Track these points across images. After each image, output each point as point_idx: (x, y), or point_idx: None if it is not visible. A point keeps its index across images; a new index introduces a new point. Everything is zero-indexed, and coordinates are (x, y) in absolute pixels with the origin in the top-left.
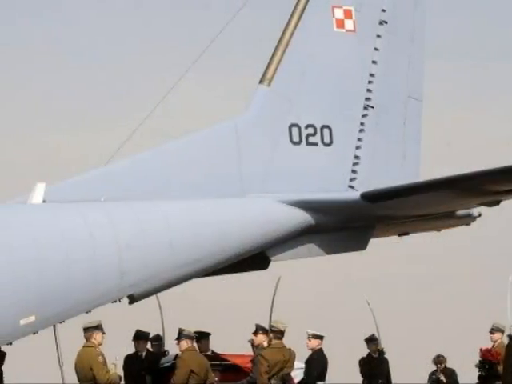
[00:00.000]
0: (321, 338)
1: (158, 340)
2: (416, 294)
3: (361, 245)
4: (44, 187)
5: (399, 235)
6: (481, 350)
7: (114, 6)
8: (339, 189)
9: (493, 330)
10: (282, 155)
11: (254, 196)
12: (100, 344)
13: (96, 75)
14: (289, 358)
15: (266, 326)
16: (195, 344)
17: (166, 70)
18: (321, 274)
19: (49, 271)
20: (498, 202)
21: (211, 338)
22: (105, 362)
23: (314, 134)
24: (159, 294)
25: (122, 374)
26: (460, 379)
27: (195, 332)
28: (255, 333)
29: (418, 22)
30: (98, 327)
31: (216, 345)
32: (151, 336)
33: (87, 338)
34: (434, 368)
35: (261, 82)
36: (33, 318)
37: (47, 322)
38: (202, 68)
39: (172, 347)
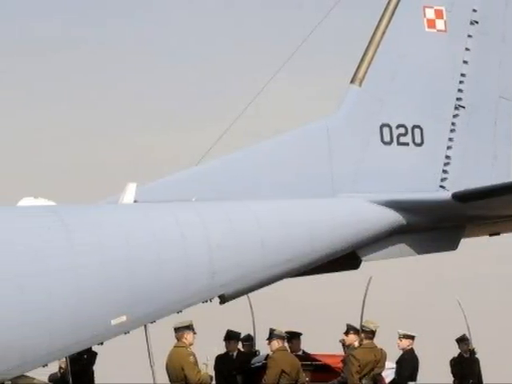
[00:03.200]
0: (412, 337)
1: (249, 340)
2: (507, 294)
3: (452, 245)
4: (135, 187)
5: (490, 235)
6: None
7: (205, 6)
8: (430, 189)
9: None
10: (372, 155)
11: (344, 196)
12: (191, 344)
13: (187, 75)
14: (380, 358)
15: (357, 326)
16: (286, 344)
17: (257, 70)
18: (412, 273)
19: (140, 271)
20: None
21: (302, 338)
22: (196, 362)
23: (405, 134)
24: (250, 294)
25: (213, 374)
26: None
27: (286, 332)
28: (346, 333)
29: (509, 21)
30: (189, 327)
31: (307, 345)
32: (242, 336)
33: (178, 338)
34: None
35: (352, 81)
36: (124, 318)
37: (138, 322)
38: (294, 68)
39: (263, 347)
